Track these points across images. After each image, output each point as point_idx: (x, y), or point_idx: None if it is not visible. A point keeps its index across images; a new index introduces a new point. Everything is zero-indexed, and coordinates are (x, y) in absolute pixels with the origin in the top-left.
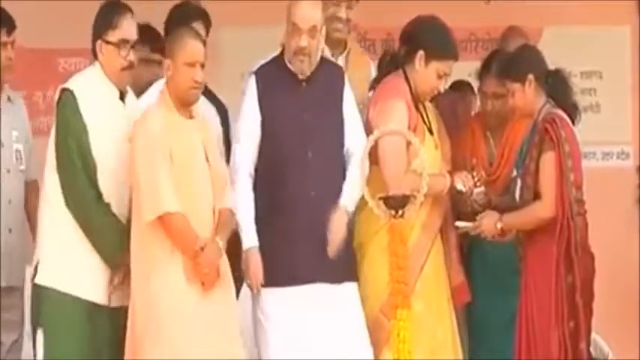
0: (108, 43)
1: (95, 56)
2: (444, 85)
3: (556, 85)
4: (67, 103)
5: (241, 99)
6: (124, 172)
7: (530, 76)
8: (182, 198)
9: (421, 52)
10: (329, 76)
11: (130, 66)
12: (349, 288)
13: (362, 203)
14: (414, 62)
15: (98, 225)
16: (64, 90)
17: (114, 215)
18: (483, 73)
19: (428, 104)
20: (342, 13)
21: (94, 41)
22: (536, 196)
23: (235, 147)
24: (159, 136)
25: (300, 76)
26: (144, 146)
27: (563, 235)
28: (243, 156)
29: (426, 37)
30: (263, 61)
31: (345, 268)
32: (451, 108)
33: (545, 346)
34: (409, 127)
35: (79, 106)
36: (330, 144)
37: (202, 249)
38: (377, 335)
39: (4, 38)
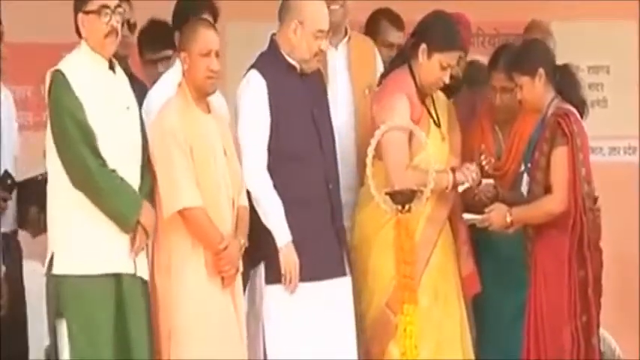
0: (88, 13)
1: (79, 35)
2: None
3: (564, 80)
4: (58, 83)
5: (244, 96)
6: (124, 141)
7: (541, 70)
8: (203, 192)
9: (423, 46)
10: (315, 74)
11: (114, 32)
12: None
13: (366, 198)
14: (418, 56)
15: (106, 190)
16: (54, 72)
17: (121, 178)
18: (492, 67)
19: (440, 96)
20: None
21: (75, 19)
22: (546, 190)
23: (248, 145)
24: (176, 130)
25: (300, 71)
26: (161, 141)
27: (576, 230)
28: (259, 154)
29: (427, 31)
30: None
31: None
32: (469, 102)
33: (557, 341)
34: (412, 121)
35: (70, 84)
36: (333, 138)
37: (226, 247)
38: (383, 329)
39: None
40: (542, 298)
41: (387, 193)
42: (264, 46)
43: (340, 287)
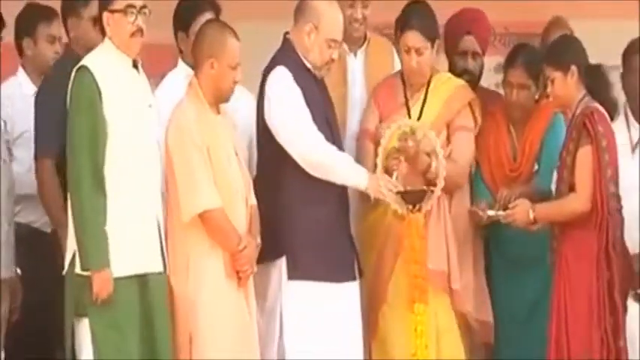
0: (114, 12)
1: (103, 33)
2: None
3: (595, 80)
4: (82, 80)
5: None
6: (146, 137)
7: (574, 67)
8: (220, 193)
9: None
10: (322, 80)
11: (139, 31)
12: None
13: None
14: None
15: (86, 215)
16: (79, 68)
17: (102, 222)
18: (509, 64)
19: (444, 83)
20: (359, 14)
21: (100, 16)
22: (571, 189)
23: (298, 123)
24: (193, 131)
25: (313, 74)
26: (178, 143)
27: (603, 230)
28: (311, 125)
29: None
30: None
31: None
32: (482, 100)
33: (584, 342)
34: (381, 120)
35: (96, 79)
36: (341, 142)
37: (244, 248)
38: (365, 328)
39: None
40: (567, 297)
41: (398, 193)
42: (268, 46)
43: (351, 290)
